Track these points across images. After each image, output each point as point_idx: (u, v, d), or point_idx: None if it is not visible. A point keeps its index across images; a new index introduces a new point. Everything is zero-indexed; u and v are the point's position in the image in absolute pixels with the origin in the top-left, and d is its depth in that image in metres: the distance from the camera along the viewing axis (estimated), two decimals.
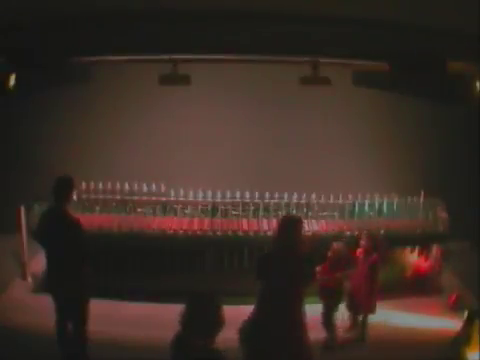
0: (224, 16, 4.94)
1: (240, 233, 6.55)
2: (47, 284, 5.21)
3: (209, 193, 6.86)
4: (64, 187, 4.92)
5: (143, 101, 7.94)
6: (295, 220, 4.84)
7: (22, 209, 6.74)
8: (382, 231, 6.55)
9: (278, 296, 4.50)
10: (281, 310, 4.48)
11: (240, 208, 6.70)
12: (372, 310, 5.64)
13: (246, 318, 4.55)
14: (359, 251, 5.64)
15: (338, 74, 6.68)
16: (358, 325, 5.76)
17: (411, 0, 4.36)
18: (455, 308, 6.20)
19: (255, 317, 4.52)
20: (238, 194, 6.83)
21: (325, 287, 5.46)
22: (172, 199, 6.86)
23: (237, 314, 4.25)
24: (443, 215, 6.79)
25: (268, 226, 6.61)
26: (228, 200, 6.81)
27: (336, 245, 5.56)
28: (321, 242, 5.95)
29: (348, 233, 6.47)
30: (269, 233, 6.48)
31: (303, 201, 6.81)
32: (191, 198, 6.86)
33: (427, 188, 7.00)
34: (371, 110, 7.96)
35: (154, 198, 6.84)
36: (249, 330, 4.50)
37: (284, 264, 4.52)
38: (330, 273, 5.42)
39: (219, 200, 6.82)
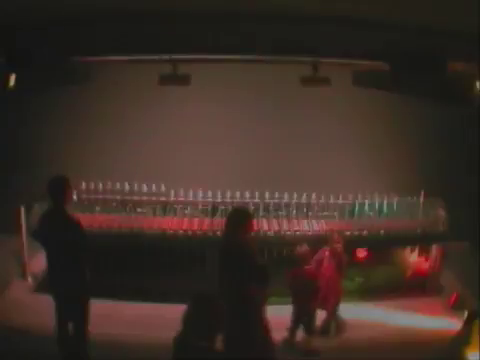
0: (224, 16, 4.94)
1: None
2: (47, 284, 5.21)
3: (209, 193, 6.87)
4: (58, 187, 4.84)
5: (143, 101, 7.93)
6: (241, 214, 4.80)
7: (22, 209, 6.75)
8: (382, 231, 6.58)
9: (230, 295, 4.44)
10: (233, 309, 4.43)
11: None
12: (337, 303, 5.80)
13: None
14: (327, 249, 5.74)
15: (338, 74, 6.68)
16: (333, 321, 5.87)
17: (411, 0, 4.35)
18: (455, 308, 6.20)
19: None
20: (238, 194, 6.83)
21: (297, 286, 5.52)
22: (172, 199, 6.87)
23: None
24: (443, 215, 6.79)
25: (268, 226, 6.61)
26: (228, 200, 6.82)
27: (300, 246, 5.59)
28: (321, 242, 5.95)
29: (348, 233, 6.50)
30: (269, 233, 6.50)
31: (303, 201, 6.81)
32: (191, 198, 6.87)
33: (427, 188, 7.00)
34: (371, 110, 7.96)
35: (154, 198, 6.85)
36: None
37: (230, 260, 4.49)
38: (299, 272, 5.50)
39: (219, 200, 6.83)
